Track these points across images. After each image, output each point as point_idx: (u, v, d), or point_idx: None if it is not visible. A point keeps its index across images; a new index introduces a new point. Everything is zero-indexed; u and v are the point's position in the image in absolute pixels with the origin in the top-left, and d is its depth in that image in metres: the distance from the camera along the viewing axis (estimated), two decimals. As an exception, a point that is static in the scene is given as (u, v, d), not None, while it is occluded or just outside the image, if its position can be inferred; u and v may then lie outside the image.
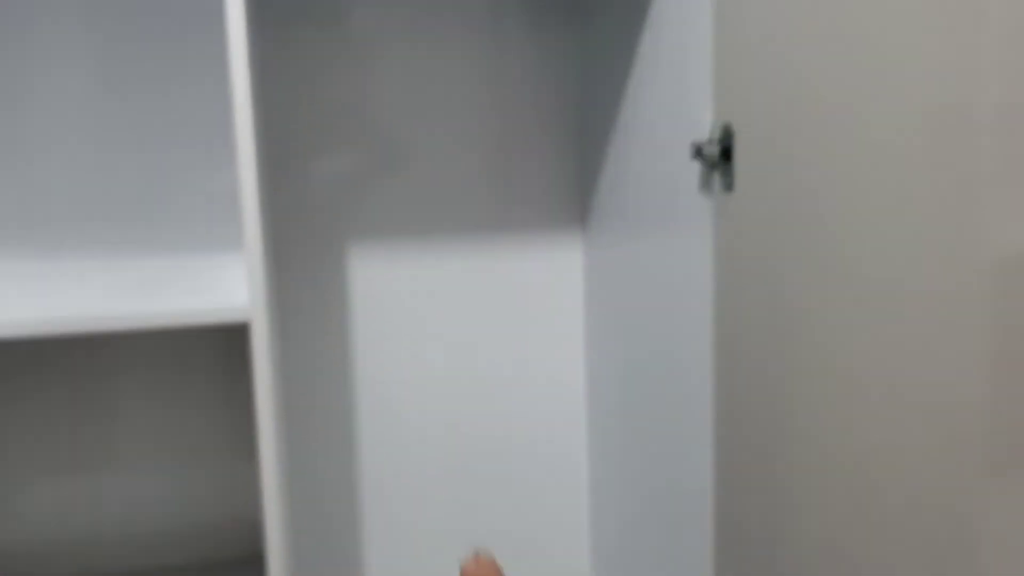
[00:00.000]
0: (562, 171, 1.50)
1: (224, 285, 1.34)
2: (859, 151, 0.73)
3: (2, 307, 1.24)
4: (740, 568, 0.98)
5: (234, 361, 1.41)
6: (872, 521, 0.74)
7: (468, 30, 1.45)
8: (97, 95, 1.33)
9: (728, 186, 0.95)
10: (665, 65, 1.13)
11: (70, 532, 1.40)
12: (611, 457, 1.45)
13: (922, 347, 0.67)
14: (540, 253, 1.52)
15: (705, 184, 1.01)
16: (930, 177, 0.65)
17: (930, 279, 0.66)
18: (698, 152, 0.99)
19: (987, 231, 0.60)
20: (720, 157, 0.95)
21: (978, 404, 0.62)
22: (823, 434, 0.80)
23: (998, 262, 0.59)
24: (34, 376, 1.37)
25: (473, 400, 1.53)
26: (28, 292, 1.33)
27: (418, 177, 1.46)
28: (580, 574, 1.60)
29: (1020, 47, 0.57)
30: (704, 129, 1.00)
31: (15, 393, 1.37)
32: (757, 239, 0.91)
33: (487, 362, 1.53)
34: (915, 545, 0.69)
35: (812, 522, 0.83)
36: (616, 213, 1.36)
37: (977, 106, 0.61)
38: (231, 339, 1.38)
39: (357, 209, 1.45)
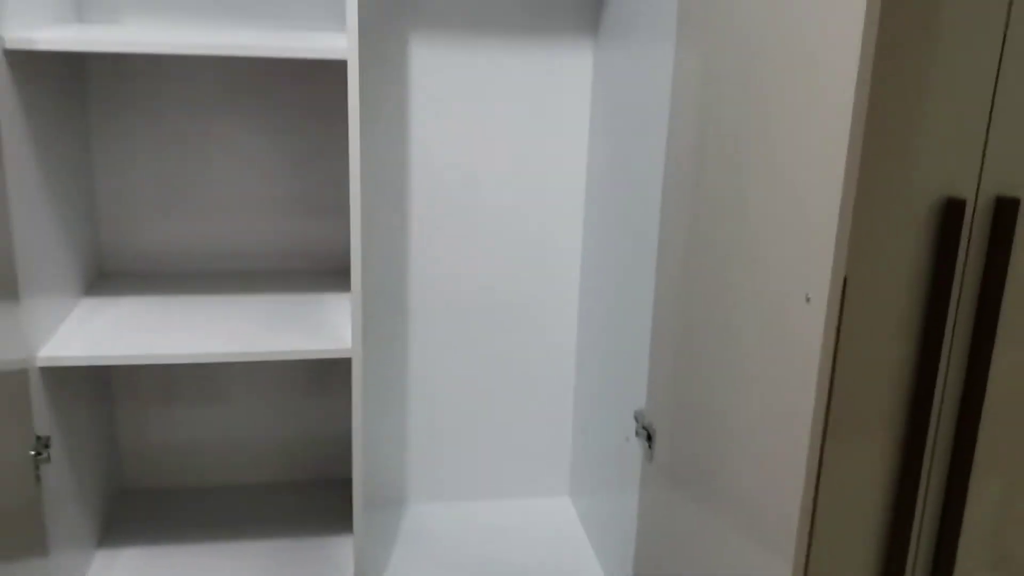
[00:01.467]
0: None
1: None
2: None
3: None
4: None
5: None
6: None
7: None
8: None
9: None
10: None
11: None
12: (596, 214, 1.85)
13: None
14: (557, 55, 1.87)
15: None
16: None
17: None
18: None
19: None
20: None
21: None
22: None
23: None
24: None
25: (495, 175, 1.92)
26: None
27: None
28: (568, 343, 2.04)
29: None
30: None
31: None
32: (702, 33, 1.27)
33: (507, 145, 1.91)
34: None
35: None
36: (619, 19, 1.71)
37: None
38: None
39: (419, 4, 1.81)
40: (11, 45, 1.30)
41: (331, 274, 1.91)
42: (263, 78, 1.80)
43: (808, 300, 1.01)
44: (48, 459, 1.40)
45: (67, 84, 1.63)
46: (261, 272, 1.90)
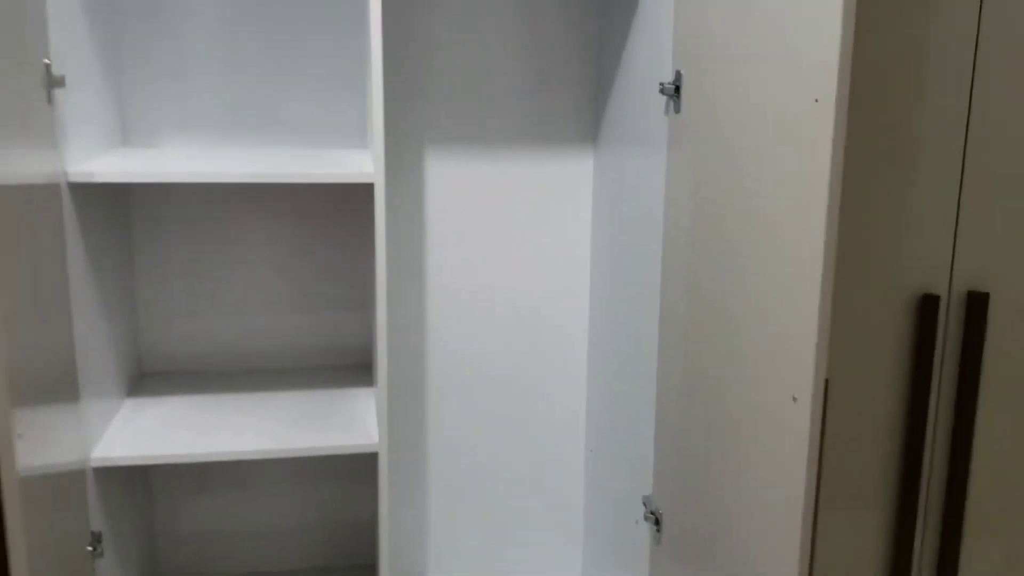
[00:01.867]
0: (582, 100, 2.01)
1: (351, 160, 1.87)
2: (748, 86, 1.24)
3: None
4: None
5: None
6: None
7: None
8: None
9: (677, 110, 1.46)
10: (649, 21, 1.63)
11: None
12: (601, 312, 1.98)
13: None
14: (561, 162, 2.03)
15: (665, 111, 1.52)
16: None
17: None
18: (661, 88, 1.50)
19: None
20: (674, 92, 1.46)
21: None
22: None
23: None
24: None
25: (507, 272, 2.07)
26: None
27: (475, 104, 1.98)
28: (578, 429, 2.16)
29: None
30: (667, 73, 1.50)
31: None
32: (693, 149, 1.41)
33: (518, 244, 2.06)
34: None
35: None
36: (613, 135, 1.87)
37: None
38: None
39: (435, 123, 1.97)
40: (74, 179, 1.45)
41: (355, 368, 2.03)
42: (290, 193, 1.95)
43: (795, 400, 1.13)
44: (102, 554, 1.51)
45: (115, 203, 1.78)
46: (289, 368, 2.03)
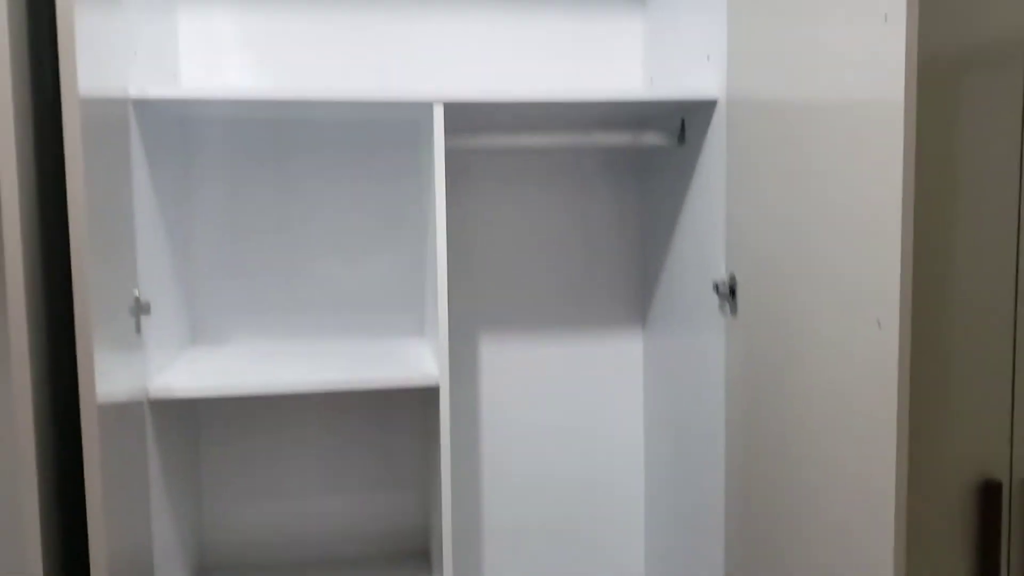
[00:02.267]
0: (629, 286, 2.08)
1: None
2: (806, 303, 1.29)
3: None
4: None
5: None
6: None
7: (562, 179, 2.05)
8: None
9: (734, 312, 1.51)
10: (699, 219, 1.70)
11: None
12: (659, 490, 1.99)
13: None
14: (611, 344, 2.09)
15: (720, 308, 1.57)
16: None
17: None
18: (716, 288, 1.55)
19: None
20: (729, 294, 1.51)
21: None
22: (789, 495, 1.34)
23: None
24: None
25: (561, 447, 2.10)
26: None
27: (528, 291, 2.05)
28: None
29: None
30: (720, 272, 1.56)
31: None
32: (750, 349, 1.46)
33: (572, 422, 2.09)
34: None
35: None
36: (664, 320, 1.92)
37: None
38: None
39: (488, 307, 2.04)
40: (155, 395, 1.51)
41: (411, 554, 2.04)
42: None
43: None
44: None
45: (185, 408, 1.83)
46: (347, 556, 2.03)
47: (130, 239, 1.42)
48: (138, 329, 1.40)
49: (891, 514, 1.11)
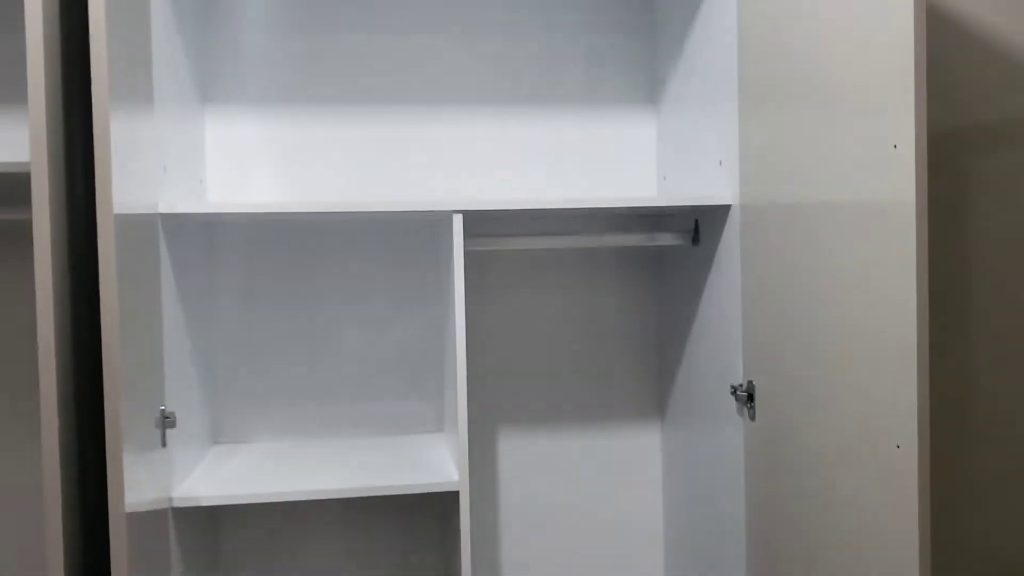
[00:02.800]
0: (648, 381, 2.10)
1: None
2: (813, 408, 1.30)
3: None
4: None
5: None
6: None
7: (580, 275, 2.08)
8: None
9: (752, 417, 1.52)
10: (715, 320, 1.72)
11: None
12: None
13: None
14: (630, 437, 2.09)
15: (739, 411, 1.58)
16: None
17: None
18: (734, 391, 1.57)
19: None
20: (747, 399, 1.53)
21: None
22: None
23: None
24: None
25: (582, 541, 2.09)
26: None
27: (547, 386, 2.07)
28: None
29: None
30: (737, 376, 1.58)
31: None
32: (769, 454, 1.46)
33: (592, 514, 2.09)
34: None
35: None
36: (683, 416, 1.93)
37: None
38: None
39: (507, 406, 2.06)
40: (178, 504, 1.53)
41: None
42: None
43: None
44: None
45: (204, 519, 1.84)
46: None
47: (158, 351, 1.45)
48: (164, 443, 1.42)
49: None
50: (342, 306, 1.99)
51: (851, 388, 1.23)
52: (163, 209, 1.51)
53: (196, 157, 1.85)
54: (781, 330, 1.43)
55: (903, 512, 1.11)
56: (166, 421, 1.42)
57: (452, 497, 1.68)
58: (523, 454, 2.07)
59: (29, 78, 1.25)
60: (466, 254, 1.99)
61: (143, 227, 1.40)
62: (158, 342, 1.46)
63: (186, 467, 1.67)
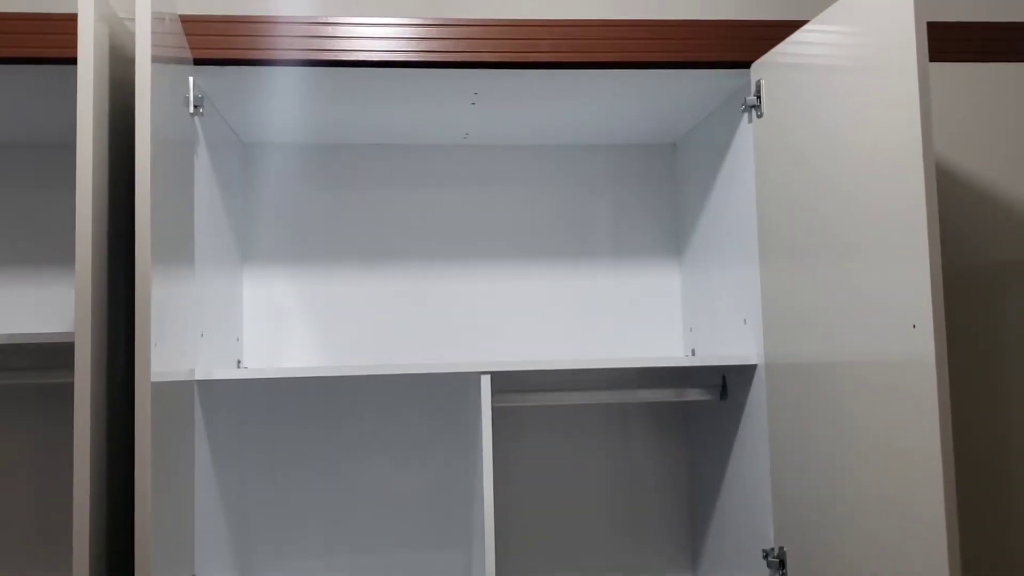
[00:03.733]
0: (679, 536, 2.06)
1: None
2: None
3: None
4: None
5: None
6: None
7: (608, 430, 2.08)
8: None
9: (787, 585, 1.50)
10: (746, 479, 1.71)
11: None
12: None
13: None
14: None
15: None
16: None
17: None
18: (765, 556, 1.54)
19: None
20: (779, 565, 1.50)
21: None
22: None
23: None
24: None
25: None
26: None
27: (577, 541, 2.04)
28: None
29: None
30: (768, 540, 1.56)
31: None
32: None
33: None
34: None
35: None
36: (715, 573, 1.89)
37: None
38: None
39: (536, 562, 2.02)
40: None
41: None
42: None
43: None
44: None
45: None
46: None
47: (190, 516, 1.47)
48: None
49: None
50: (371, 457, 2.01)
51: (883, 554, 1.21)
52: (199, 376, 1.55)
53: (234, 316, 1.92)
54: (809, 493, 1.42)
55: None
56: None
57: None
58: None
59: (77, 251, 1.30)
60: (495, 412, 2.01)
61: (179, 393, 1.44)
62: (190, 506, 1.48)
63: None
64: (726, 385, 1.81)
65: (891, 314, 1.20)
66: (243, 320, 2.00)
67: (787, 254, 1.50)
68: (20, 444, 1.91)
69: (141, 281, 1.29)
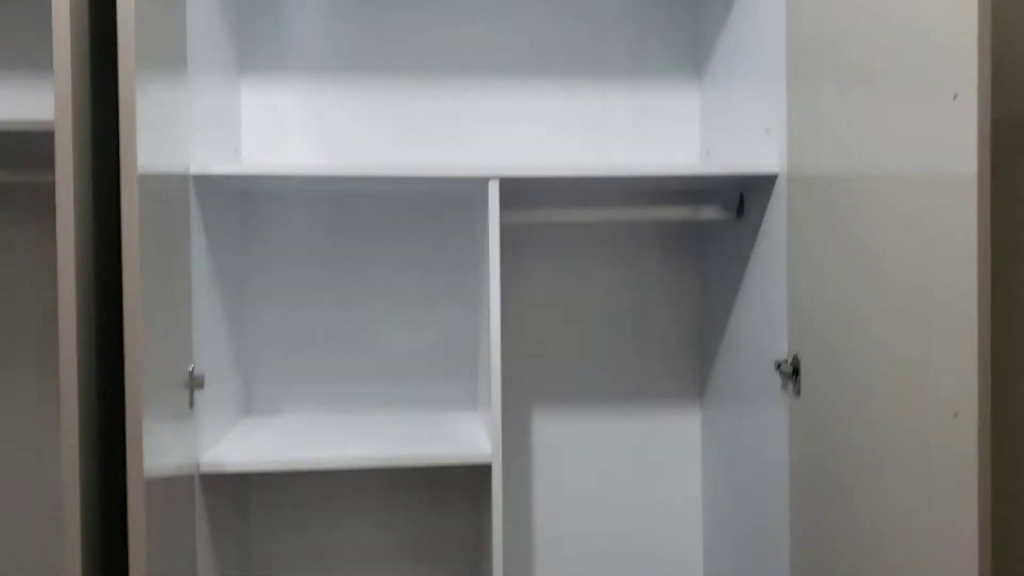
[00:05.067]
0: (687, 360, 2.04)
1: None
2: (863, 380, 1.23)
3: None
4: None
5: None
6: None
7: (618, 252, 2.02)
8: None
9: (797, 393, 1.46)
10: (759, 295, 1.66)
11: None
12: (718, 568, 1.92)
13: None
14: (669, 418, 2.03)
15: (783, 388, 1.52)
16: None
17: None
18: (778, 367, 1.51)
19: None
20: (792, 374, 1.46)
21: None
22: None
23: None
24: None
25: (617, 522, 2.04)
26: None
27: (584, 365, 2.02)
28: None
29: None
30: (782, 351, 1.52)
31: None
32: (816, 431, 1.40)
33: (628, 496, 2.04)
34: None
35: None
36: (723, 395, 1.87)
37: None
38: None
39: (543, 384, 2.01)
40: (205, 469, 1.50)
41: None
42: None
43: None
44: None
45: (234, 488, 1.82)
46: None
47: (187, 312, 1.43)
48: (191, 404, 1.40)
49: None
50: (377, 283, 1.96)
51: (905, 358, 1.16)
52: (195, 170, 1.48)
53: (232, 126, 1.83)
54: (830, 302, 1.37)
55: (961, 486, 1.05)
56: (194, 382, 1.40)
57: (484, 472, 1.64)
58: (557, 432, 2.02)
59: (54, 37, 1.22)
60: (502, 229, 1.95)
61: (172, 188, 1.38)
62: (185, 303, 1.43)
63: (215, 433, 1.64)
64: (743, 202, 1.74)
65: (930, 125, 1.11)
66: (242, 133, 1.91)
67: (820, 59, 1.40)
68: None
69: (124, 64, 1.20)
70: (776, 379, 1.55)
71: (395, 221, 1.96)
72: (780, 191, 1.56)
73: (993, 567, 1.04)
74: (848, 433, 1.31)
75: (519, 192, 1.83)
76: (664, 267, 2.04)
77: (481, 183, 1.60)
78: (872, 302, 1.24)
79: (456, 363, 1.98)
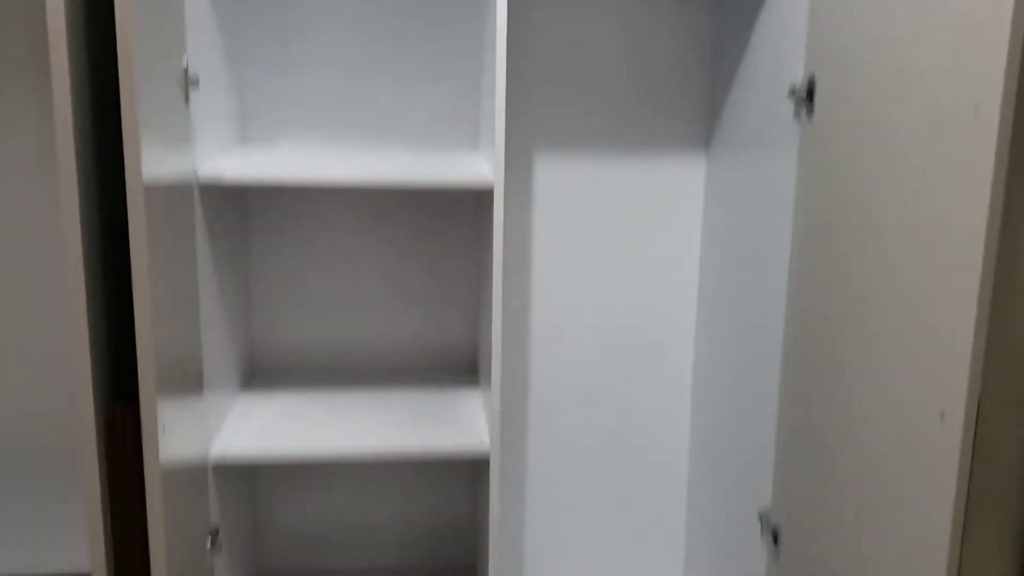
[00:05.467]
0: (694, 100, 1.98)
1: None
2: (888, 89, 1.19)
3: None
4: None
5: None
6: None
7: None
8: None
9: (809, 116, 1.42)
10: (775, 24, 1.59)
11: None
12: (713, 315, 1.95)
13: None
14: (673, 165, 2.01)
15: (795, 116, 1.48)
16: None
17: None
18: (792, 92, 1.46)
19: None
20: (807, 97, 1.42)
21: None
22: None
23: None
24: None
25: (614, 274, 2.05)
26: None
27: (585, 108, 1.96)
28: (682, 439, 2.14)
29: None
30: (797, 75, 1.47)
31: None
32: (827, 153, 1.37)
33: (626, 246, 2.04)
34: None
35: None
36: (731, 140, 1.84)
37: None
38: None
39: (543, 124, 1.97)
40: (204, 180, 1.48)
41: (458, 368, 2.04)
42: (400, 193, 1.97)
43: (943, 417, 1.08)
44: (220, 549, 1.53)
45: (235, 202, 1.80)
46: (394, 366, 2.04)
47: (179, 6, 1.35)
48: (187, 99, 1.35)
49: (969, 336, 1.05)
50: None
51: (929, 74, 1.12)
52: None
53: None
54: (851, 22, 1.30)
55: (971, 207, 1.02)
56: (189, 80, 1.35)
57: (487, 196, 1.62)
58: (557, 178, 1.99)
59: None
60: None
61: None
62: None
63: (213, 151, 1.61)
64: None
65: None
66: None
67: None
68: None
69: None
70: (788, 108, 1.51)
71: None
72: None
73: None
74: (858, 166, 1.28)
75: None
76: (674, 11, 1.95)
77: None
78: (897, 18, 1.18)
79: (459, 107, 1.93)
